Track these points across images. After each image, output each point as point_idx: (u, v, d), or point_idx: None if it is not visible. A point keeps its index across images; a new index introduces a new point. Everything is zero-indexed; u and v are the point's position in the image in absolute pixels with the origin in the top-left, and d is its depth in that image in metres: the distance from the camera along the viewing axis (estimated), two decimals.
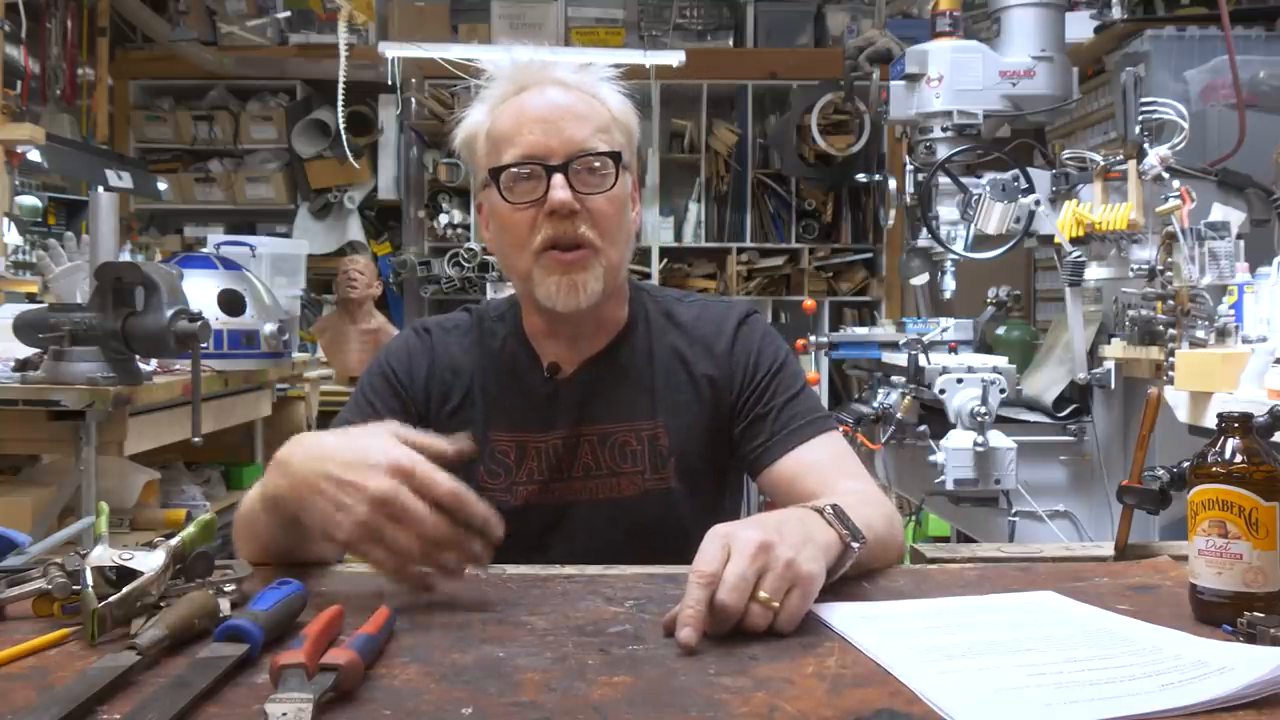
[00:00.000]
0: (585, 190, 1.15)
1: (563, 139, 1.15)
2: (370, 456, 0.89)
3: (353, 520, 0.87)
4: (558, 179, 1.14)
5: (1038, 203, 2.39)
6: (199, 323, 2.15)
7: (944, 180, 2.48)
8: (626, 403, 1.23)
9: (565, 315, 1.18)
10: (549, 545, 1.19)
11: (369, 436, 0.93)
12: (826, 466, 1.18)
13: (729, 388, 1.24)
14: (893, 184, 2.82)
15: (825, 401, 4.24)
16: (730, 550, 0.81)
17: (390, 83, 4.44)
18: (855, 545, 0.90)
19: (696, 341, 1.26)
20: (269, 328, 2.82)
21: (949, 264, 2.58)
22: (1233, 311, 1.90)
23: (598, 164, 1.16)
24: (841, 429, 2.04)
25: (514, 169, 1.15)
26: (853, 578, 0.98)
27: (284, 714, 0.62)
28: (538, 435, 1.22)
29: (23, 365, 2.26)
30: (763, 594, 0.80)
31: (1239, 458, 0.84)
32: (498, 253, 1.24)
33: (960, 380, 2.21)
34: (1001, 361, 2.29)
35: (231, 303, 2.75)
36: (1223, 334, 1.90)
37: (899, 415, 2.39)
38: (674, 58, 4.51)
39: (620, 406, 1.23)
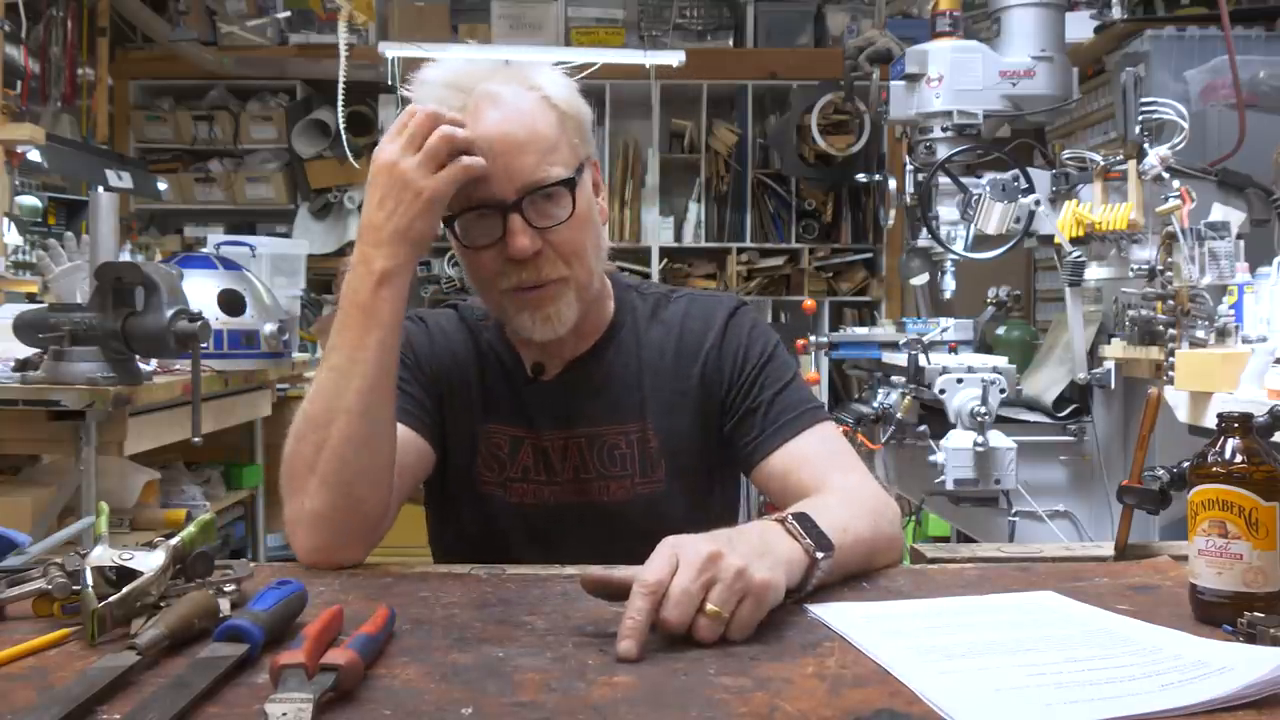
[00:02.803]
0: (544, 223, 1.10)
1: (512, 172, 1.08)
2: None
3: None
4: (515, 222, 1.08)
5: (1038, 203, 2.39)
6: (199, 323, 2.15)
7: (944, 180, 2.48)
8: (613, 404, 1.22)
9: (541, 343, 1.17)
10: (546, 553, 1.16)
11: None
12: (819, 460, 1.15)
13: (719, 383, 1.21)
14: (893, 184, 2.82)
15: (825, 401, 4.24)
16: (678, 561, 0.79)
17: (390, 83, 4.43)
18: (820, 556, 0.88)
19: (685, 338, 1.23)
20: (269, 328, 2.82)
21: (949, 264, 2.58)
22: (1233, 311, 1.90)
23: (552, 192, 1.10)
24: (841, 429, 2.05)
25: (468, 215, 1.10)
26: (852, 578, 0.98)
27: (284, 714, 0.62)
28: (529, 432, 1.21)
29: (23, 365, 2.26)
30: (711, 606, 0.78)
31: (1239, 458, 0.84)
32: (471, 287, 1.22)
33: (960, 380, 2.21)
34: (1001, 361, 2.29)
35: (231, 303, 2.75)
36: (1223, 334, 1.90)
37: (899, 415, 2.39)
38: (674, 58, 4.51)
39: (607, 408, 1.21)
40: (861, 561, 1.00)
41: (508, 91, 1.11)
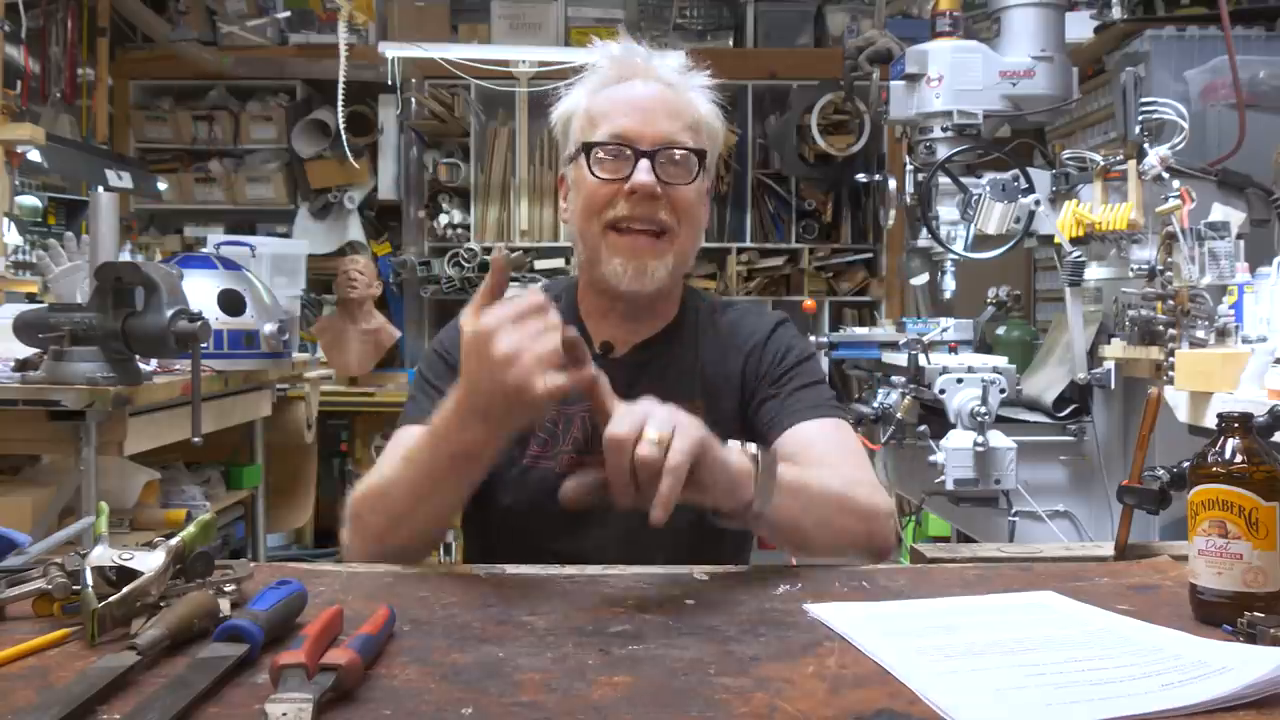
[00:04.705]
0: (667, 180, 1.22)
1: (655, 128, 1.22)
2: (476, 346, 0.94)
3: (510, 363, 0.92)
4: (644, 163, 1.21)
5: (1038, 203, 2.39)
6: (199, 323, 2.15)
7: (944, 180, 2.48)
8: (670, 386, 1.27)
9: (626, 295, 1.24)
10: (588, 520, 1.22)
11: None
12: (825, 446, 1.20)
13: (756, 374, 1.31)
14: (893, 184, 2.82)
15: None
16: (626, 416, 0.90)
17: (390, 83, 4.44)
18: (755, 450, 0.97)
19: (736, 336, 1.34)
20: (269, 328, 2.82)
21: (949, 264, 2.57)
22: (1233, 311, 1.90)
23: (681, 157, 1.23)
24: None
25: (606, 145, 1.22)
26: (852, 578, 0.98)
27: (284, 714, 0.62)
28: (580, 406, 1.26)
29: (23, 365, 2.26)
30: (650, 433, 0.87)
31: (1239, 458, 0.84)
32: (574, 221, 1.29)
33: (960, 380, 2.21)
34: (1001, 361, 2.29)
35: (231, 303, 2.75)
36: (1223, 334, 1.90)
37: (899, 415, 2.38)
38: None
39: (664, 389, 1.26)
40: (826, 509, 1.06)
41: (673, 77, 1.28)
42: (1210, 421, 1.71)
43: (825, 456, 1.17)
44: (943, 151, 2.52)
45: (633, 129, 1.22)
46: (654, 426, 0.89)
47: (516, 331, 0.92)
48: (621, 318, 1.31)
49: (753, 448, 0.98)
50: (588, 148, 1.23)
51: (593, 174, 1.23)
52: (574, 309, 1.34)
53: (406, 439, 1.19)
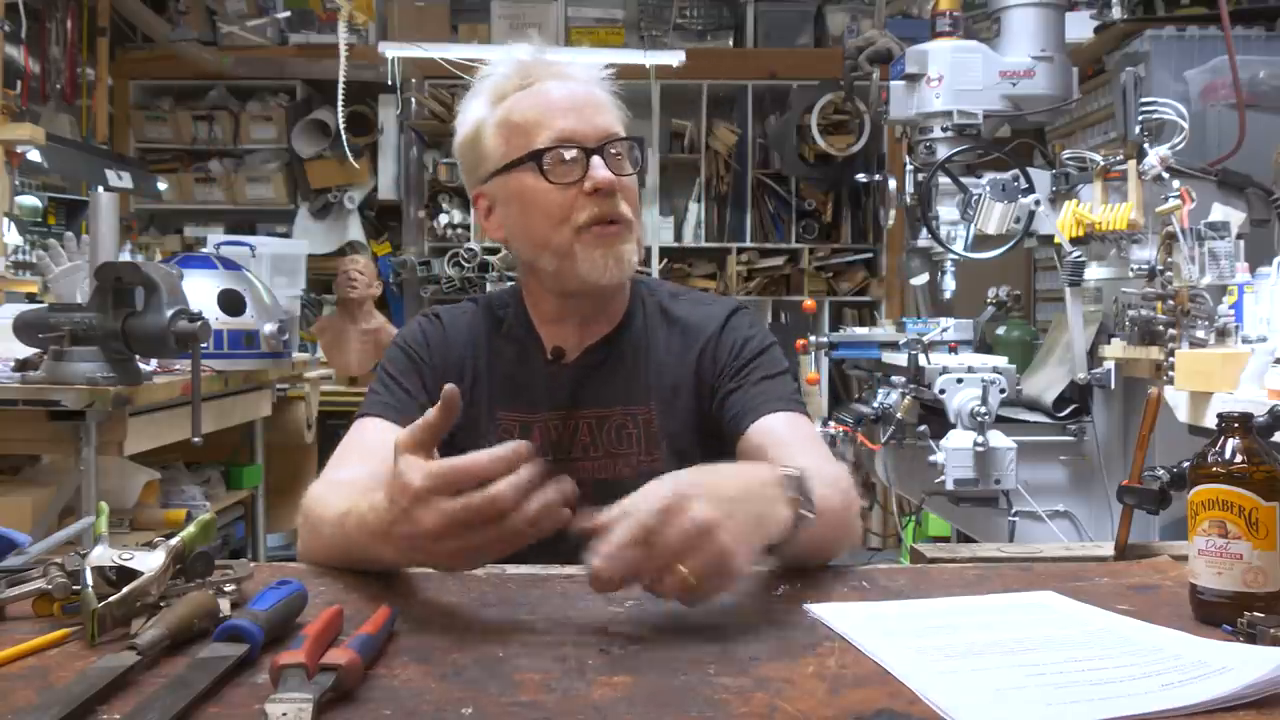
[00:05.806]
0: (618, 172, 1.21)
1: (594, 125, 1.21)
2: (399, 500, 0.83)
3: (447, 553, 0.83)
4: (597, 160, 1.19)
5: (1038, 203, 2.39)
6: (199, 323, 2.15)
7: (944, 180, 2.48)
8: (623, 387, 1.29)
9: (594, 291, 1.23)
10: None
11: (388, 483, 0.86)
12: (788, 440, 1.19)
13: (713, 370, 1.29)
14: (893, 184, 2.82)
15: (825, 401, 4.24)
16: (671, 511, 0.78)
17: (390, 83, 4.44)
18: (805, 514, 0.90)
19: (688, 332, 1.31)
20: (269, 328, 2.82)
21: (949, 264, 2.58)
22: (1233, 311, 1.90)
23: (625, 148, 1.23)
24: (841, 429, 2.03)
25: (557, 150, 1.19)
26: (852, 578, 0.98)
27: (284, 714, 0.62)
28: (539, 415, 1.28)
29: (23, 365, 2.26)
30: (684, 569, 0.77)
31: (1239, 458, 0.84)
32: (524, 236, 1.24)
33: (960, 380, 2.21)
34: (1001, 361, 2.29)
35: (231, 303, 2.76)
36: (1223, 334, 1.90)
37: (899, 415, 2.38)
38: (674, 58, 4.51)
39: (617, 390, 1.29)
40: (829, 534, 1.01)
41: (582, 74, 1.26)
42: (1210, 421, 1.71)
43: (794, 455, 1.13)
44: (943, 151, 2.52)
45: (576, 128, 1.19)
46: (698, 562, 0.78)
47: (439, 508, 0.80)
48: (578, 320, 1.29)
49: (802, 500, 0.90)
50: (538, 155, 1.19)
51: (549, 182, 1.19)
52: (524, 316, 1.32)
53: (359, 444, 1.18)
